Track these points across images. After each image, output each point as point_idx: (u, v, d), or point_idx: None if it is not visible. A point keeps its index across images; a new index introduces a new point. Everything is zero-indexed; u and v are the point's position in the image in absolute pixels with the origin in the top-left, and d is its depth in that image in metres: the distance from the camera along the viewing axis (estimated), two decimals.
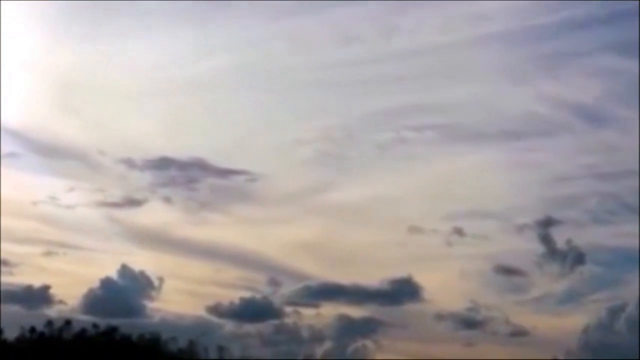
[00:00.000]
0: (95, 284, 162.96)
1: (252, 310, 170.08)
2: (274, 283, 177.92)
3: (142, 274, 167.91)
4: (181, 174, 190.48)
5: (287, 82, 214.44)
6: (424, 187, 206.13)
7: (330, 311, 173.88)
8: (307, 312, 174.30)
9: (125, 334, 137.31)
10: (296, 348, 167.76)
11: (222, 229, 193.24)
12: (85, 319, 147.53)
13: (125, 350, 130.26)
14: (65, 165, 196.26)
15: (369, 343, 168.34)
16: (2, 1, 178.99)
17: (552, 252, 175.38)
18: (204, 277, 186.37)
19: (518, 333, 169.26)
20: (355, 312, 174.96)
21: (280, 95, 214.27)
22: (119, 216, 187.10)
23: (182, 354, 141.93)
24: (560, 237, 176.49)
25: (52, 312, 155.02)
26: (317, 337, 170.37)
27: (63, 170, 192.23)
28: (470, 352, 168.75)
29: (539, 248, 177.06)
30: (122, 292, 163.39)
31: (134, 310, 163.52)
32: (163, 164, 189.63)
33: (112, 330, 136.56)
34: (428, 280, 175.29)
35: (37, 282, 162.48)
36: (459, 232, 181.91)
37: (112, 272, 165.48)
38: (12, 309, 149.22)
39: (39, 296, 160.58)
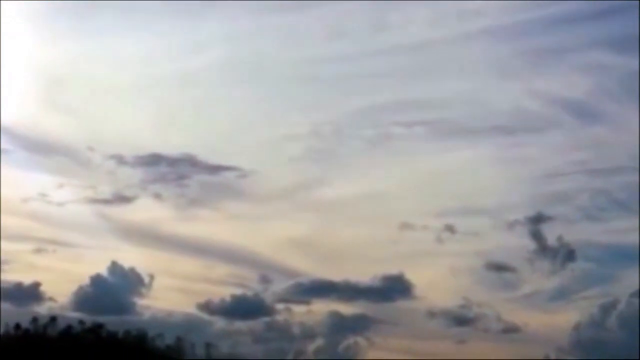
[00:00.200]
0: (86, 281, 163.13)
1: (243, 307, 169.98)
2: (265, 280, 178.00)
3: (132, 270, 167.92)
4: (171, 170, 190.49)
5: (277, 78, 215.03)
6: (415, 184, 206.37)
7: (321, 308, 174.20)
8: (298, 309, 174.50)
9: (111, 331, 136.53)
10: (287, 345, 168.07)
11: (213, 225, 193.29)
12: (75, 317, 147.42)
13: (111, 347, 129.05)
14: (54, 161, 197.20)
15: (360, 340, 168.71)
16: None
17: (543, 249, 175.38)
18: (194, 274, 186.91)
19: (509, 330, 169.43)
20: (347, 309, 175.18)
21: (269, 91, 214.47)
22: (109, 213, 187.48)
23: (169, 351, 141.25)
24: (551, 233, 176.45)
25: (42, 309, 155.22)
26: (309, 334, 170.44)
27: (53, 166, 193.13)
28: (461, 349, 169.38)
29: (530, 244, 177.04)
30: (112, 289, 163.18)
31: (124, 308, 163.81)
32: (153, 160, 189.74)
33: (98, 327, 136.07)
34: (419, 277, 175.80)
35: (27, 279, 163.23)
36: (450, 228, 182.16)
37: (102, 269, 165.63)
38: (2, 307, 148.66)
39: (29, 293, 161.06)
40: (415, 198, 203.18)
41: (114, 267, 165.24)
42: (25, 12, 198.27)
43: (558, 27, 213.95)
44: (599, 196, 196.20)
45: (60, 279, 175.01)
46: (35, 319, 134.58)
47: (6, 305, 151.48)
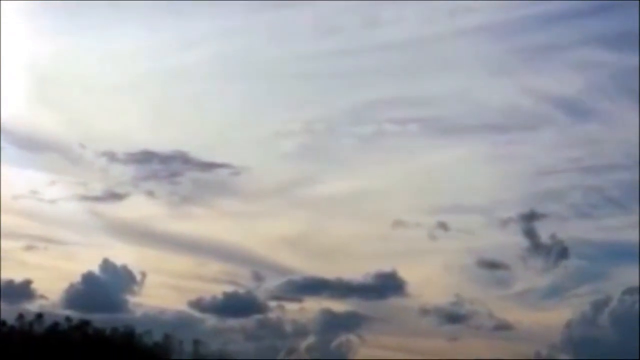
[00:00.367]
0: (77, 278, 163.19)
1: (235, 305, 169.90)
2: (258, 277, 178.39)
3: (124, 268, 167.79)
4: (163, 168, 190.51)
5: (269, 75, 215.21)
6: (407, 181, 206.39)
7: (314, 306, 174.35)
8: (291, 307, 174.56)
9: (98, 328, 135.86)
10: (279, 343, 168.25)
11: (205, 222, 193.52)
12: (66, 315, 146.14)
13: (98, 345, 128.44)
14: (46, 158, 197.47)
15: (352, 337, 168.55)
16: None
17: (536, 246, 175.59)
18: (186, 272, 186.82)
19: (502, 327, 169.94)
20: (339, 306, 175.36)
21: (262, 88, 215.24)
22: (101, 210, 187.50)
23: (157, 348, 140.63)
24: (544, 231, 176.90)
25: (34, 306, 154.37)
26: (301, 331, 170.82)
27: (44, 163, 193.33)
28: (454, 346, 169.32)
29: (523, 242, 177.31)
30: (104, 287, 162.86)
31: (116, 305, 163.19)
32: (145, 157, 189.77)
33: (85, 324, 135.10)
34: (412, 274, 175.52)
35: (18, 276, 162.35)
36: (443, 226, 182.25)
37: (94, 266, 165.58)
38: None
39: (20, 291, 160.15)
40: (408, 195, 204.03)
41: (106, 264, 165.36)
42: (16, 10, 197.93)
43: (550, 25, 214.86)
44: (592, 194, 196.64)
45: (51, 277, 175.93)
46: (21, 316, 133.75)
47: None
